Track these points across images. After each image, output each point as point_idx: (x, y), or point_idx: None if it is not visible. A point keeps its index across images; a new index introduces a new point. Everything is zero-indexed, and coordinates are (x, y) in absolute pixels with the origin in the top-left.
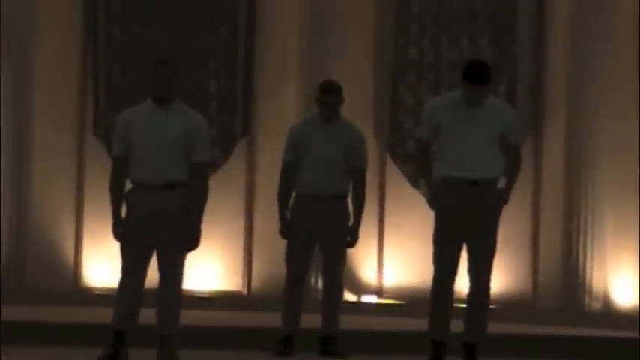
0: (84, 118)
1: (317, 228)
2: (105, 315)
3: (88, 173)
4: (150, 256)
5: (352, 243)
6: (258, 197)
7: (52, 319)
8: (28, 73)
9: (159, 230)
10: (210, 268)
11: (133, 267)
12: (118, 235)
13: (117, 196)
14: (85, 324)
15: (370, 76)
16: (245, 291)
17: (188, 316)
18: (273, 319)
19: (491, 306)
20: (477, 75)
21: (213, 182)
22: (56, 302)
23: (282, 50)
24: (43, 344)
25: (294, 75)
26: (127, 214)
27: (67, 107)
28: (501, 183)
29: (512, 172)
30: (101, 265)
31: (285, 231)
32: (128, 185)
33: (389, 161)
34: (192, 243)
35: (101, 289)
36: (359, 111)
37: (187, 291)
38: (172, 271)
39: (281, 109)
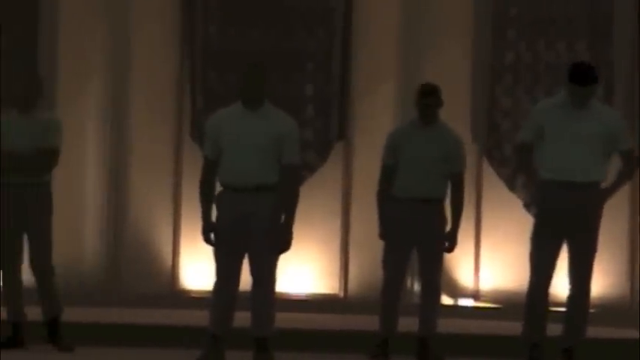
0: (181, 120)
1: (414, 231)
2: (201, 318)
3: (185, 176)
4: (242, 259)
5: (450, 248)
6: (354, 200)
7: (149, 322)
8: (126, 74)
9: (250, 233)
10: (306, 271)
11: (226, 270)
12: (208, 239)
13: (207, 199)
14: (182, 327)
15: (467, 78)
16: (341, 294)
17: (284, 319)
18: (369, 322)
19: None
20: (583, 76)
21: (309, 185)
22: (153, 305)
23: (378, 52)
24: (139, 347)
25: (390, 77)
26: (218, 217)
27: (164, 109)
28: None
29: (622, 176)
30: (198, 267)
31: (385, 234)
32: (218, 188)
33: (485, 164)
34: (284, 245)
35: (198, 292)
36: (456, 114)
37: (283, 294)
38: (265, 274)
39: (377, 112)
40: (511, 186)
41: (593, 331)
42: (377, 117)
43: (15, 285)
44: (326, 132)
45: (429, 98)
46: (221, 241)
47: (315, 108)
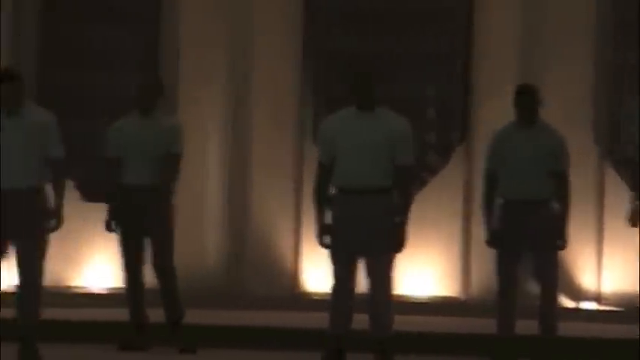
0: (302, 123)
1: (526, 234)
2: (323, 320)
3: (306, 180)
4: (358, 260)
5: (563, 246)
6: (475, 202)
7: (271, 324)
8: (247, 78)
9: (366, 235)
10: (427, 274)
11: (343, 272)
12: (323, 242)
13: (321, 202)
14: (303, 329)
15: (589, 79)
16: (462, 296)
17: (405, 322)
18: (490, 325)
19: None
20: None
21: (431, 187)
22: (275, 307)
23: (500, 53)
24: (261, 349)
25: (513, 78)
26: (333, 219)
27: (285, 112)
28: None
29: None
30: (319, 270)
31: (492, 240)
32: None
33: (607, 166)
34: (399, 247)
35: (319, 294)
36: (578, 115)
37: (404, 296)
38: (382, 276)
39: (499, 114)
40: (633, 187)
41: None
42: (499, 119)
43: (137, 287)
44: (448, 134)
45: (521, 97)
46: (337, 243)
47: (436, 110)
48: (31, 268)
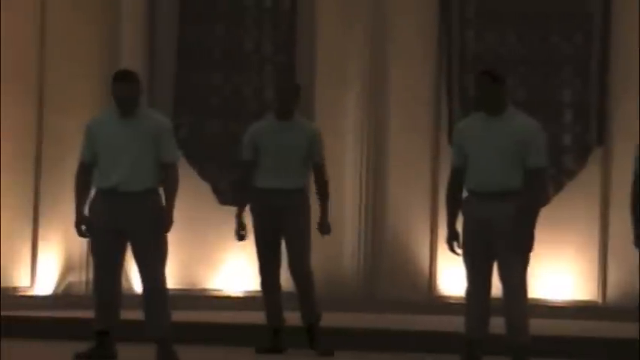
0: (438, 126)
1: None
2: (459, 323)
3: (442, 183)
4: (491, 265)
5: None
6: (613, 205)
7: (408, 328)
8: (383, 81)
9: (494, 238)
10: (563, 277)
11: (477, 276)
12: (452, 247)
13: (453, 205)
14: (439, 332)
15: None
16: (600, 300)
17: (542, 326)
18: (629, 330)
19: None
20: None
21: (568, 191)
22: (410, 311)
23: (636, 57)
24: (397, 352)
25: None
26: (464, 222)
27: (421, 115)
28: None
29: None
30: (454, 273)
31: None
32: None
33: None
34: (526, 248)
35: (455, 298)
36: None
37: (541, 300)
38: (515, 279)
39: (636, 116)
40: None
41: None
42: (636, 120)
43: (274, 290)
44: (585, 137)
45: None
46: (466, 246)
47: (573, 113)
48: (153, 271)
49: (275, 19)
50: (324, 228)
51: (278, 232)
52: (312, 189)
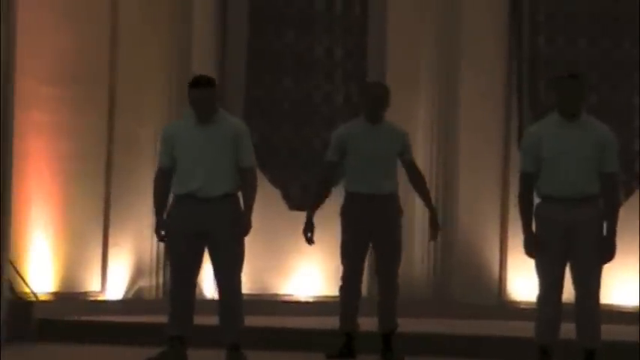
0: (509, 130)
1: None
2: (529, 329)
3: (512, 188)
4: (564, 270)
5: None
6: None
7: (478, 333)
8: (454, 86)
9: (574, 244)
10: (634, 282)
11: (549, 281)
12: (529, 252)
13: (526, 210)
14: (510, 338)
15: None
16: None
17: (612, 331)
18: None
19: None
20: None
21: (636, 195)
22: (481, 316)
23: None
24: (468, 357)
25: None
26: (539, 227)
27: (492, 119)
28: None
29: None
30: (525, 278)
31: None
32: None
33: None
34: (608, 256)
35: (525, 303)
36: None
37: (612, 305)
38: (589, 285)
39: None
40: None
41: None
42: None
43: (355, 296)
44: None
45: None
46: (543, 251)
47: None
48: (230, 276)
49: (346, 25)
50: (434, 232)
51: (369, 238)
52: None
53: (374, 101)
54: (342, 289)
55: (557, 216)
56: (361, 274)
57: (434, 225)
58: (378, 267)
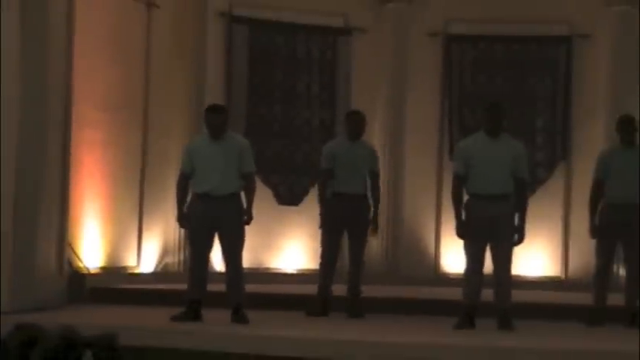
0: (442, 145)
1: (622, 229)
2: (457, 293)
3: (445, 187)
4: (485, 249)
5: None
6: (573, 205)
7: (418, 296)
8: (402, 110)
9: (493, 229)
10: (535, 259)
11: (475, 257)
12: (460, 234)
13: (458, 204)
14: (443, 300)
15: None
16: (563, 276)
17: (519, 295)
18: (585, 299)
19: None
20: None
21: (539, 194)
22: (421, 284)
23: (593, 93)
24: (411, 314)
25: (603, 112)
26: (467, 218)
27: (430, 137)
28: None
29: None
30: (454, 255)
31: (595, 233)
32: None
33: None
34: (519, 239)
35: (455, 274)
36: None
37: (518, 275)
38: (504, 260)
39: (592, 139)
40: None
41: None
42: (591, 142)
43: (331, 271)
44: (552, 154)
45: (626, 125)
46: (470, 235)
47: (543, 136)
48: (235, 254)
49: (320, 66)
50: (375, 229)
51: (345, 226)
52: None
53: (355, 124)
54: (321, 264)
55: (482, 209)
56: (337, 253)
57: (375, 224)
58: (350, 248)
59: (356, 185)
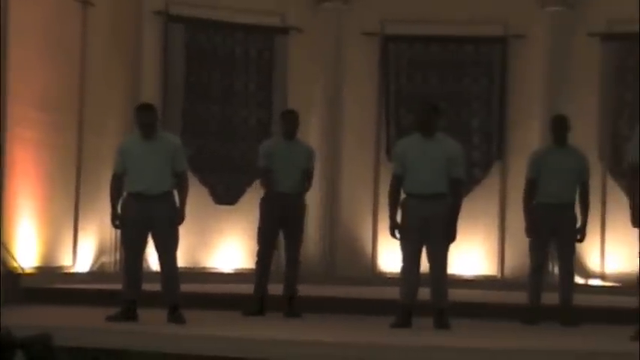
0: (379, 145)
1: (555, 228)
2: (395, 293)
3: (382, 186)
4: (421, 249)
5: (581, 239)
6: (508, 204)
7: (356, 295)
8: (339, 112)
9: (428, 230)
10: (472, 258)
11: (411, 257)
12: (394, 235)
13: (394, 204)
14: (380, 299)
15: (595, 112)
16: (499, 275)
17: (455, 294)
18: (520, 297)
19: None
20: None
21: (475, 193)
22: (358, 283)
23: (528, 94)
24: (349, 313)
25: (537, 113)
26: (403, 217)
27: (367, 137)
28: None
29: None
30: (392, 255)
31: (531, 231)
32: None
33: (609, 177)
34: (452, 237)
35: (392, 274)
36: (586, 139)
37: (455, 275)
38: (439, 259)
39: (526, 139)
40: (628, 193)
41: None
42: (526, 142)
43: (267, 269)
44: (488, 154)
45: (558, 124)
46: (405, 235)
47: (479, 136)
48: (169, 254)
49: (257, 66)
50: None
51: (280, 226)
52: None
53: (289, 123)
54: (257, 263)
55: (416, 208)
56: (272, 252)
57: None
58: (286, 249)
59: (292, 184)
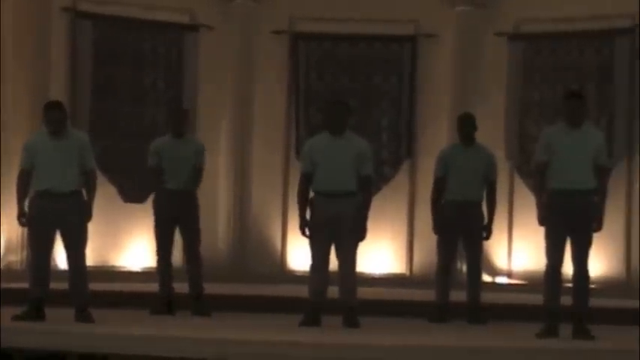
0: (289, 144)
1: (462, 226)
2: (304, 291)
3: (291, 185)
4: (330, 247)
5: (487, 237)
6: (417, 202)
7: (265, 293)
8: (249, 110)
9: (338, 227)
10: (381, 256)
11: (320, 254)
12: (303, 233)
13: (303, 202)
14: (289, 297)
15: (502, 111)
16: (408, 273)
17: (364, 292)
18: (429, 295)
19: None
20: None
21: (384, 192)
22: (268, 281)
23: (437, 92)
24: (258, 312)
25: (445, 111)
26: (312, 215)
27: (277, 134)
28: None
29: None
30: (300, 253)
31: (438, 230)
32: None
33: (516, 176)
34: (361, 235)
35: (301, 272)
36: (493, 138)
37: (364, 272)
38: (349, 257)
39: (435, 137)
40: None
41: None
42: (435, 141)
43: (168, 267)
44: (397, 152)
45: (466, 123)
46: (315, 233)
47: (388, 135)
48: (77, 253)
49: (167, 64)
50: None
51: (174, 223)
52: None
53: (176, 119)
54: (158, 262)
55: (325, 207)
56: (171, 250)
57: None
58: (185, 246)
59: (182, 182)
